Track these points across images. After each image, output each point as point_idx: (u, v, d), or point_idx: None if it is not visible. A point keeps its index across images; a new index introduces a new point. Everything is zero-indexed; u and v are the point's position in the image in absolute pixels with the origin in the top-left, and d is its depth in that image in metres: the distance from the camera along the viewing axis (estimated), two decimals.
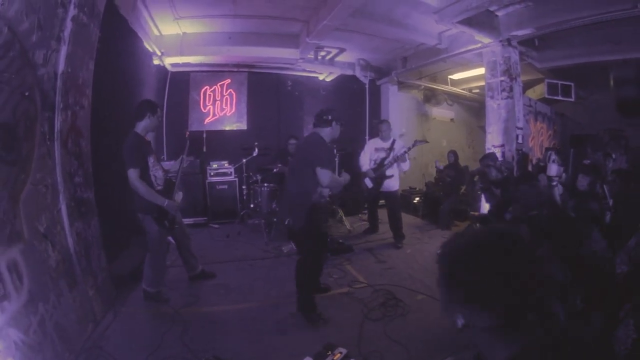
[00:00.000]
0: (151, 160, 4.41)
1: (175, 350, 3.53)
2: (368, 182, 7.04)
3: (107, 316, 4.07)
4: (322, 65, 9.84)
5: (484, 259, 1.10)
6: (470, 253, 1.14)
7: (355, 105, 10.91)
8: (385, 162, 6.88)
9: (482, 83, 8.12)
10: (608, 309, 2.47)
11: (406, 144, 7.20)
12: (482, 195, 6.78)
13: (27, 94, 2.94)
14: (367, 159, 7.17)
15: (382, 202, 7.56)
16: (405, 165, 6.88)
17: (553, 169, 4.85)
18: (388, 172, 6.90)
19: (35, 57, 3.05)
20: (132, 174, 4.13)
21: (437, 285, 1.19)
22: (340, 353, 3.25)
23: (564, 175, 5.13)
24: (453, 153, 9.00)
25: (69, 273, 3.49)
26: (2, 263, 2.48)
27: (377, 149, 7.12)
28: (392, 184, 7.03)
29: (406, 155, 6.80)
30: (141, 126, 4.41)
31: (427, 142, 7.37)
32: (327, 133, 4.34)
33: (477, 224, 4.62)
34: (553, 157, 4.98)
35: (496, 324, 1.08)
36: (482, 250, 1.12)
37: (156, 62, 8.27)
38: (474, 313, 1.10)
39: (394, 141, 7.06)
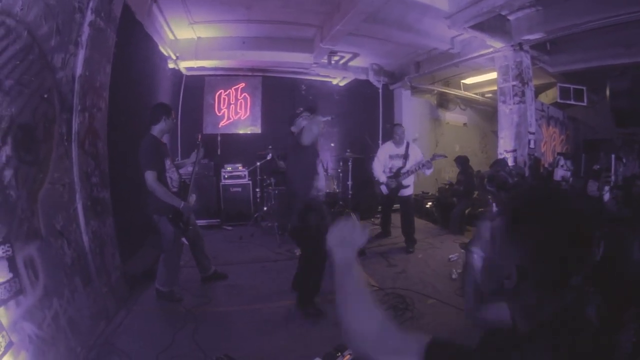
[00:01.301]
0: (167, 162, 4.49)
1: (187, 348, 3.58)
2: (384, 189, 6.95)
3: (120, 314, 4.14)
4: (336, 69, 9.88)
5: (558, 214, 1.13)
6: (545, 205, 1.17)
7: (369, 110, 10.92)
8: (402, 172, 6.81)
9: (495, 87, 8.08)
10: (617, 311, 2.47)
11: (421, 151, 7.15)
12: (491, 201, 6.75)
13: (46, 96, 3.03)
14: (380, 167, 7.05)
15: (395, 206, 7.53)
16: (428, 171, 6.83)
17: (558, 174, 4.85)
18: (405, 182, 6.84)
19: (54, 60, 3.14)
20: (150, 175, 4.19)
21: (500, 237, 1.21)
22: (350, 354, 3.26)
23: (571, 179, 5.11)
24: (458, 160, 8.91)
25: (83, 270, 3.57)
26: (19, 258, 2.55)
27: (391, 156, 6.99)
28: (408, 189, 7.01)
29: (426, 165, 6.72)
30: (157, 129, 4.48)
31: (445, 156, 7.28)
32: (305, 137, 4.37)
33: None
34: (562, 162, 4.98)
35: (550, 279, 1.12)
36: (557, 205, 1.16)
37: (171, 65, 8.39)
38: (536, 266, 1.12)
39: (408, 146, 6.94)
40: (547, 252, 1.10)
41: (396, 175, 6.86)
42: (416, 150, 7.00)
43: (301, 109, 4.57)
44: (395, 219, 7.49)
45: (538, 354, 1.05)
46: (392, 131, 7.24)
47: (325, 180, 4.97)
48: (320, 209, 4.24)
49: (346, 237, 1.44)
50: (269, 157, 8.12)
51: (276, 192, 7.78)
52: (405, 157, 6.87)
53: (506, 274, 1.14)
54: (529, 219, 1.15)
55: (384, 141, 10.68)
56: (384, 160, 7.06)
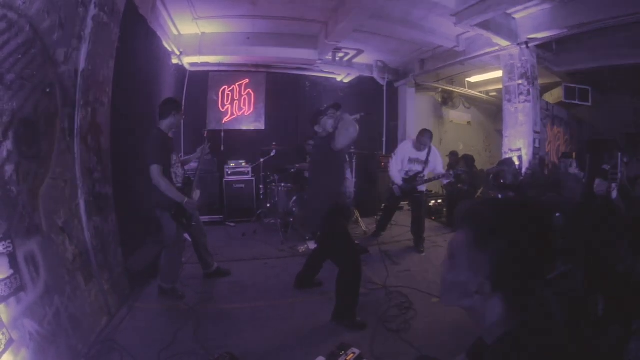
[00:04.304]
0: (173, 157, 4.47)
1: (189, 346, 3.56)
2: (396, 190, 6.72)
3: (122, 310, 4.13)
4: (340, 66, 9.89)
5: (514, 226, 1.14)
6: (504, 219, 1.18)
7: (373, 107, 10.84)
8: (418, 178, 6.56)
9: (500, 86, 8.07)
10: (626, 319, 2.43)
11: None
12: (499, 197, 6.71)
13: (48, 90, 3.00)
14: (397, 167, 6.73)
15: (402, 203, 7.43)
16: (446, 181, 6.72)
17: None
18: (420, 187, 6.64)
19: (57, 54, 3.12)
20: (155, 170, 4.16)
21: (467, 251, 1.21)
22: (354, 353, 3.23)
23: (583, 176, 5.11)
24: (464, 159, 8.84)
25: (85, 267, 3.55)
26: (20, 254, 2.53)
27: (411, 159, 6.67)
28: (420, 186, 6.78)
29: (446, 176, 6.56)
30: (165, 124, 4.46)
31: (465, 171, 7.15)
32: (340, 141, 3.91)
33: None
34: (574, 165, 4.97)
35: (519, 287, 1.15)
36: (514, 219, 1.17)
37: (175, 61, 8.37)
38: (506, 275, 1.14)
39: (429, 152, 6.65)
40: (516, 262, 1.11)
41: (412, 179, 6.61)
42: (437, 157, 6.76)
43: (326, 106, 4.32)
44: (399, 218, 7.45)
45: None
46: (417, 138, 6.74)
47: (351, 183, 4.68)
48: (350, 215, 4.01)
49: None
50: (272, 154, 8.09)
51: (280, 188, 7.76)
52: (426, 162, 6.63)
53: (475, 288, 1.14)
54: (498, 230, 1.16)
55: (387, 138, 10.66)
56: (402, 163, 6.74)
